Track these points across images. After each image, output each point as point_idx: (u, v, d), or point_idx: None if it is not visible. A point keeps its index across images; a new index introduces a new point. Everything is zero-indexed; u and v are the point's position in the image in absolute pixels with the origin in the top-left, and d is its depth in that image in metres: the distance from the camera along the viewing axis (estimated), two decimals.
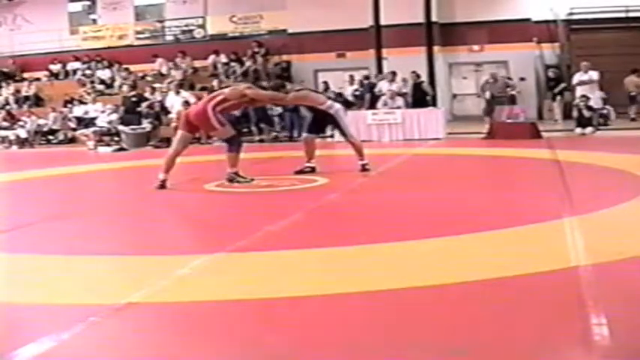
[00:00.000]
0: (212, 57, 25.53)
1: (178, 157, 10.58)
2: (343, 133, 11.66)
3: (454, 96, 25.40)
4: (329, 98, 12.36)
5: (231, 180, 10.35)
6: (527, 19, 23.86)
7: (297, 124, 20.31)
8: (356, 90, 21.65)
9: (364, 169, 11.22)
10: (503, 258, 5.43)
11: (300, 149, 11.90)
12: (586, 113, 18.17)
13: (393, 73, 20.51)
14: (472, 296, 4.51)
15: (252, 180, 10.44)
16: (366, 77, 22.28)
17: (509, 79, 21.93)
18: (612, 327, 3.65)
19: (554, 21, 24.05)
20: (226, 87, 12.46)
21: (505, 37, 23.62)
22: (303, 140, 11.88)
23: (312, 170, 11.30)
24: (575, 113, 18.66)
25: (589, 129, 17.93)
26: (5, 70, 28.38)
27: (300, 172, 11.22)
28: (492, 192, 9.32)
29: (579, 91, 19.09)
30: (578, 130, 18.08)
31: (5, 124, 23.69)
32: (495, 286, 4.67)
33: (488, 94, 20.12)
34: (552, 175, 10.42)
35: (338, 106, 11.56)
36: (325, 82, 22.47)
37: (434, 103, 20.70)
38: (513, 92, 20.61)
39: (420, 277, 4.91)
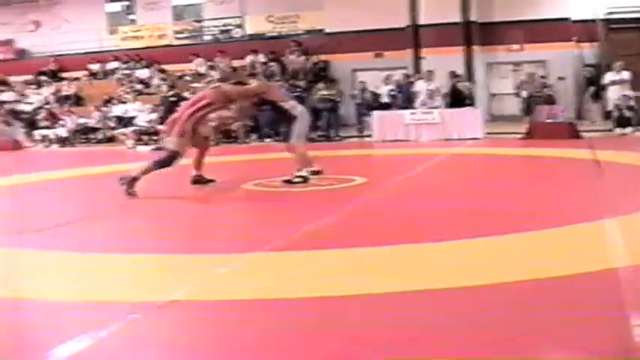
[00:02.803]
0: (250, 56, 25.60)
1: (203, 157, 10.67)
2: (289, 136, 10.63)
3: (492, 96, 25.25)
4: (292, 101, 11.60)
5: (121, 178, 9.67)
6: (566, 19, 23.63)
7: (335, 124, 20.33)
8: (391, 90, 21.57)
9: (291, 181, 10.23)
10: (543, 259, 5.40)
11: (335, 149, 11.89)
12: (627, 113, 18.00)
13: (430, 72, 20.43)
14: (513, 297, 4.49)
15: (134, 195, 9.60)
16: (407, 76, 22.22)
17: (543, 77, 21.74)
18: None
19: (593, 20, 23.81)
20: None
21: (544, 37, 23.39)
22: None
23: (317, 173, 10.63)
24: (615, 113, 18.47)
25: (629, 129, 17.76)
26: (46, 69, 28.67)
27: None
28: (531, 192, 9.26)
29: (611, 91, 18.93)
30: (618, 130, 17.92)
31: (46, 123, 23.95)
32: (536, 287, 4.65)
33: (524, 93, 20.01)
34: (592, 175, 10.34)
35: (301, 108, 10.87)
36: (362, 82, 22.45)
37: (472, 103, 20.58)
38: (550, 92, 20.42)
39: (458, 278, 4.90)
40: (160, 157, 10.05)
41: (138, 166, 10.07)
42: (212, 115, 10.99)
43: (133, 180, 9.59)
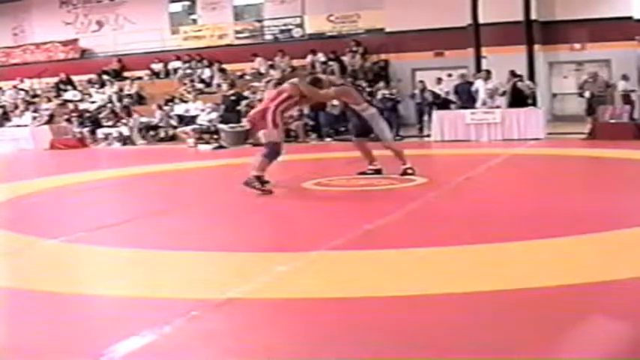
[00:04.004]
0: (310, 56, 25.65)
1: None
2: (377, 137, 11.11)
3: (554, 95, 24.95)
4: (368, 102, 11.81)
5: (248, 184, 9.68)
6: (629, 18, 23.25)
7: (395, 123, 20.26)
8: (442, 90, 21.46)
9: (405, 173, 10.74)
10: (602, 261, 5.35)
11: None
12: None
13: (488, 72, 20.22)
14: (569, 300, 4.46)
15: (271, 192, 9.72)
16: (462, 76, 22.03)
17: (625, 77, 21.38)
18: None
19: None
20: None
21: (606, 36, 23.02)
22: (354, 144, 11.60)
23: (378, 172, 11.02)
24: None
25: None
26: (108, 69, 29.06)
27: (363, 173, 11.03)
28: (592, 194, 9.13)
29: None
30: None
31: (109, 122, 24.24)
32: (594, 290, 4.61)
33: (587, 94, 19.71)
34: None
35: (373, 110, 11.13)
36: (422, 81, 22.34)
37: (534, 103, 20.33)
38: (629, 92, 20.09)
39: (518, 280, 4.87)
40: (266, 150, 9.98)
41: (252, 163, 9.97)
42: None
43: (258, 179, 9.66)
